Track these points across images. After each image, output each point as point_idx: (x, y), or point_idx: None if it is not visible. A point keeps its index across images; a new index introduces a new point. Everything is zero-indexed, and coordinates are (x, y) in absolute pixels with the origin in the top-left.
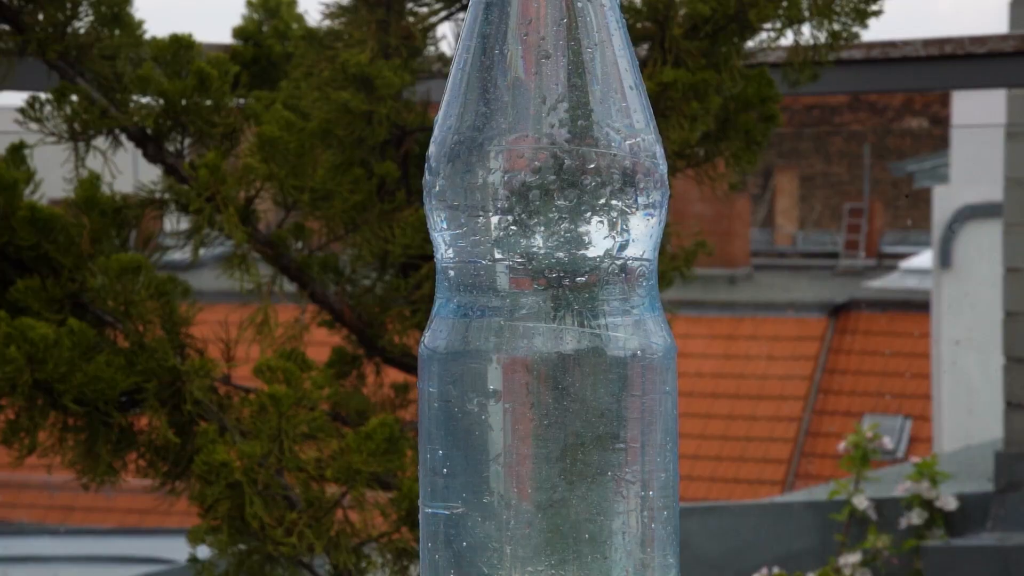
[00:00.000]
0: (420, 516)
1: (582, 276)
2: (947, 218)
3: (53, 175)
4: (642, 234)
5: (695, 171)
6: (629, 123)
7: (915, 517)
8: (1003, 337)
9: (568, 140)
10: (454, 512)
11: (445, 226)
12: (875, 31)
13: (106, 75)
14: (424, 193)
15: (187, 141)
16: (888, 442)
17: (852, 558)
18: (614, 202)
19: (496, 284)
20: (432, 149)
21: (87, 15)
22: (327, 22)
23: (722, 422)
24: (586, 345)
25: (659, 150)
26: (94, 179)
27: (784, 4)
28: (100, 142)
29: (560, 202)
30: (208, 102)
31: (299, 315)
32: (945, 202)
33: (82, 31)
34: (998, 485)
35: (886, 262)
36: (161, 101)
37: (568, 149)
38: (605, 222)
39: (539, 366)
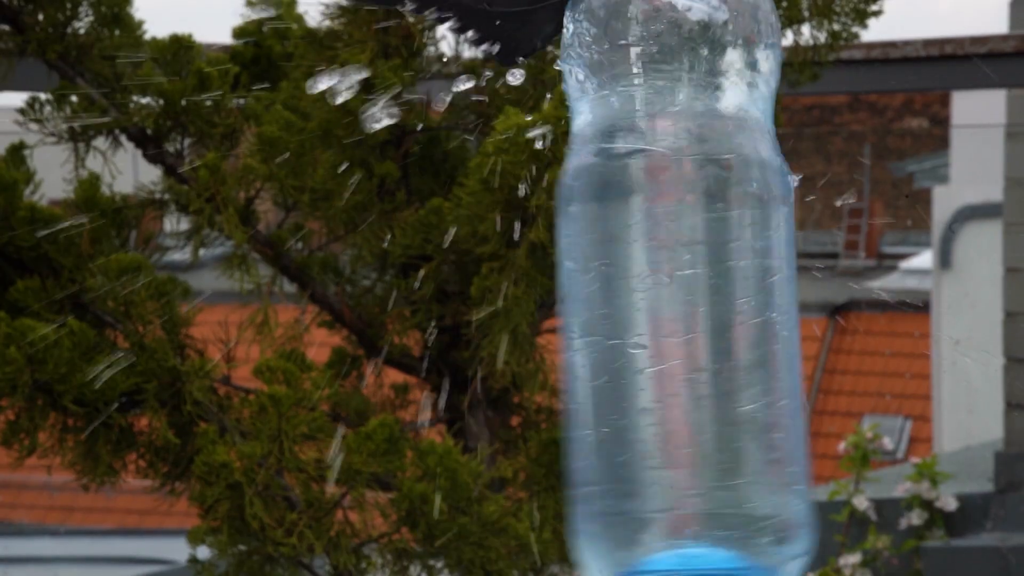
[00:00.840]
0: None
1: None
2: (947, 218)
3: (53, 175)
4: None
5: None
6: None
7: (915, 517)
8: (1003, 337)
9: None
10: None
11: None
12: (875, 31)
13: (106, 75)
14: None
15: (187, 141)
16: (888, 442)
17: (852, 558)
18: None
19: None
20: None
21: (87, 15)
22: (327, 22)
23: None
24: None
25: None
26: (94, 179)
27: (784, 4)
28: (100, 142)
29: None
30: (208, 102)
31: (299, 315)
32: (945, 202)
33: (82, 31)
34: (998, 485)
35: (886, 262)
36: (161, 101)
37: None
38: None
39: None
